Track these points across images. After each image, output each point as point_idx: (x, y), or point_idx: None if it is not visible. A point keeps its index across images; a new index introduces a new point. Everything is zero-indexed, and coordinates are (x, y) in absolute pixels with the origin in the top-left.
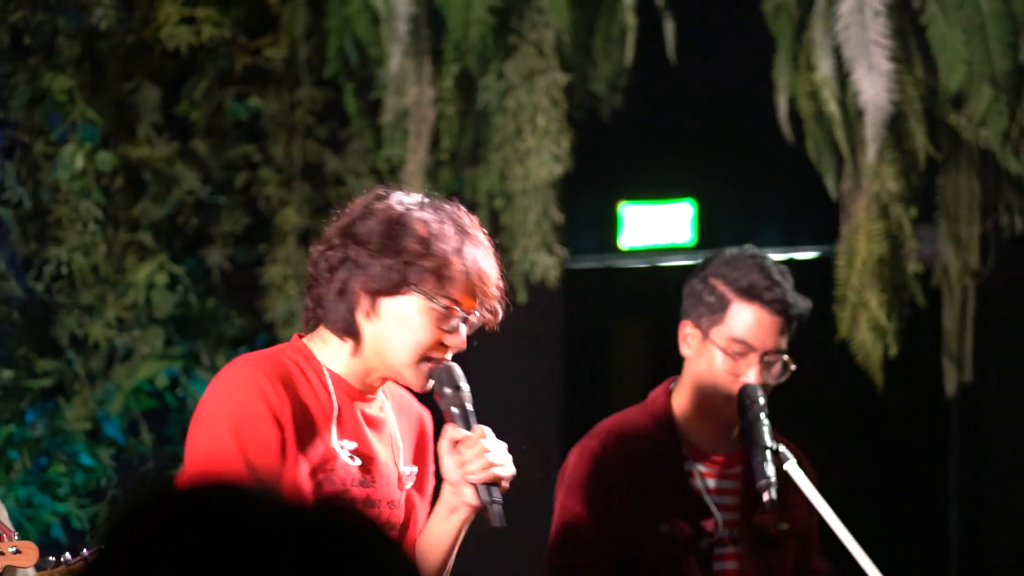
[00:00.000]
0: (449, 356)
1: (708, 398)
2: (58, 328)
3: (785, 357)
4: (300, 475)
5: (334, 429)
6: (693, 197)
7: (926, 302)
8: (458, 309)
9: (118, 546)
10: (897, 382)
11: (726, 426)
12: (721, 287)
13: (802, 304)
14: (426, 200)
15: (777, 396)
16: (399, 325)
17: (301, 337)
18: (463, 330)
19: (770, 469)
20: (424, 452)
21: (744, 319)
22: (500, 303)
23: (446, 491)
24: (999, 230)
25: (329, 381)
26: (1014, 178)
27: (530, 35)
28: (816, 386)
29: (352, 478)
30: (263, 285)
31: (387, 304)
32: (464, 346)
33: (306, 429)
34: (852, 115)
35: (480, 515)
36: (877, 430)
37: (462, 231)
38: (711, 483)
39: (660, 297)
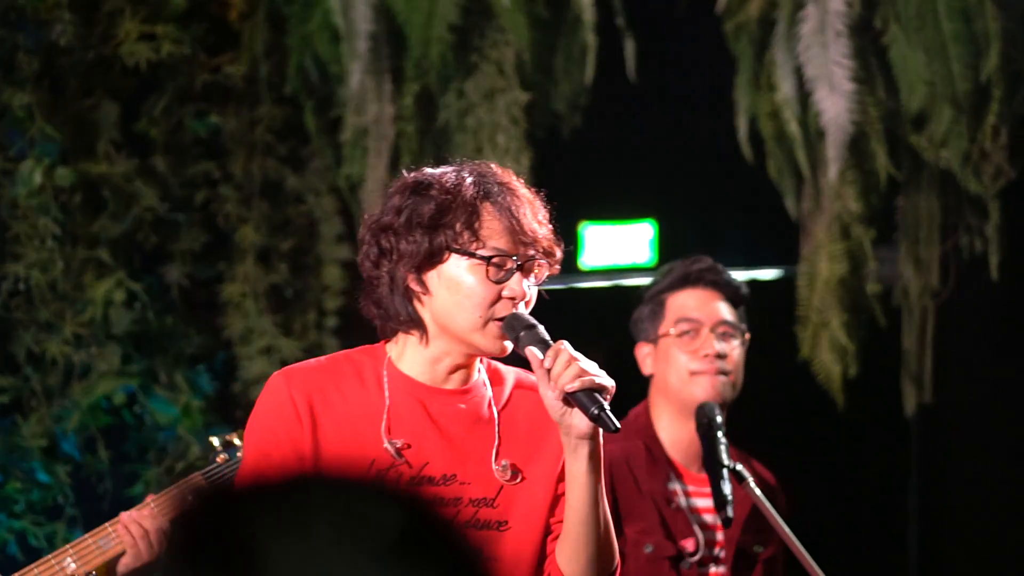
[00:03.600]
0: (519, 310)
1: (679, 398)
2: (15, 344)
3: (741, 329)
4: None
5: (381, 429)
6: (654, 218)
7: (886, 322)
8: (504, 257)
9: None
10: (857, 402)
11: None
12: (656, 295)
13: (734, 278)
14: (449, 164)
15: (738, 415)
16: (452, 292)
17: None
18: (521, 280)
19: (727, 487)
20: (551, 444)
21: (682, 301)
22: (554, 244)
23: (561, 438)
24: (959, 251)
25: (385, 379)
26: (974, 199)
27: (491, 54)
28: (777, 406)
29: (404, 476)
30: (222, 303)
31: (432, 276)
32: (526, 295)
33: (349, 433)
34: (813, 135)
35: None
36: (837, 450)
37: (486, 178)
38: (694, 502)
39: (620, 317)
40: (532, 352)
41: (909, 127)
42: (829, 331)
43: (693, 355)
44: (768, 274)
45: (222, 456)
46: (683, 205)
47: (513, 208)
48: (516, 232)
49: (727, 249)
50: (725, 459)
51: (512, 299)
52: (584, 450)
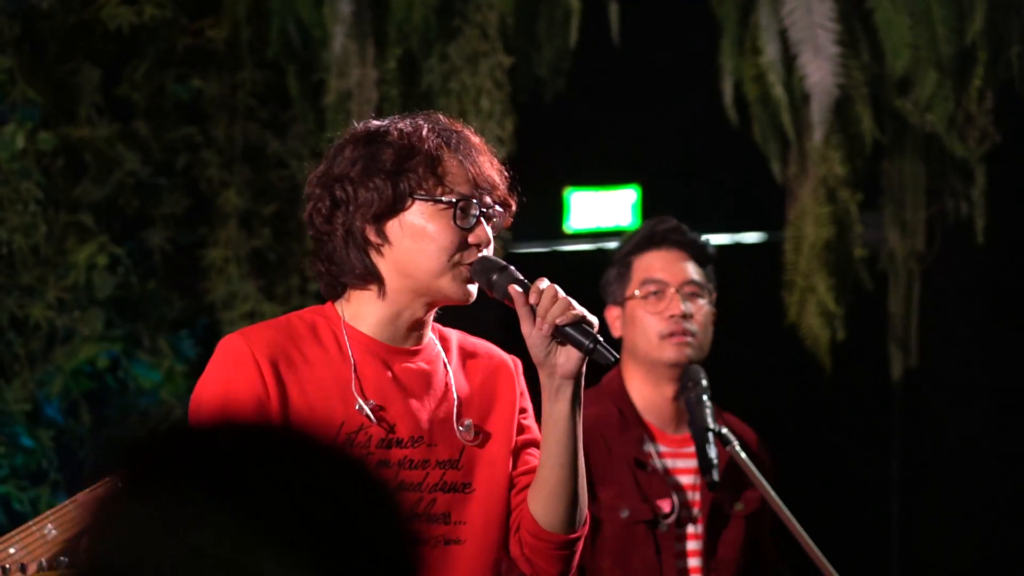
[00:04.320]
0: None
1: (648, 360)
2: None
3: (708, 288)
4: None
5: (353, 390)
6: (637, 182)
7: (873, 286)
8: (468, 202)
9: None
10: (843, 366)
11: (676, 395)
12: (623, 257)
13: (699, 237)
14: (397, 116)
15: (724, 379)
16: (416, 239)
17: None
18: (485, 226)
19: (712, 451)
20: (503, 402)
21: (647, 262)
22: (508, 195)
23: (542, 379)
24: (945, 215)
25: (347, 340)
26: (959, 163)
27: (474, 17)
28: (763, 370)
29: (375, 439)
30: (204, 267)
31: (394, 225)
32: (491, 241)
33: (315, 395)
34: (798, 99)
35: None
36: (823, 414)
37: (441, 126)
38: (670, 463)
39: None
40: (515, 290)
41: (894, 91)
42: (816, 295)
43: (659, 316)
44: (754, 238)
45: None
46: (667, 169)
47: (473, 155)
48: (477, 179)
49: (712, 214)
50: (710, 423)
51: (478, 246)
52: (568, 390)
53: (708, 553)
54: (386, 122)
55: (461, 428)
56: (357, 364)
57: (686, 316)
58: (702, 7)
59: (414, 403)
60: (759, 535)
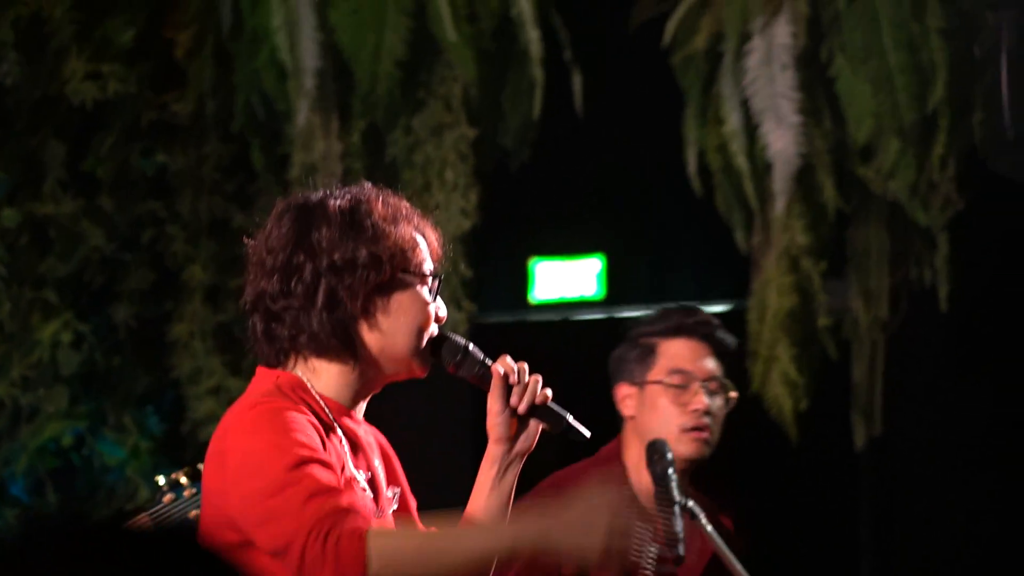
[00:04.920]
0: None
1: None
2: None
3: (728, 387)
4: None
5: (350, 462)
6: (602, 252)
7: (837, 355)
8: (435, 277)
9: None
10: (807, 435)
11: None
12: (645, 339)
13: (728, 336)
14: (336, 189)
15: None
16: (403, 315)
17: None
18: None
19: (679, 524)
20: (396, 470)
21: (676, 350)
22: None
23: (495, 452)
24: (908, 282)
25: (329, 412)
26: (923, 230)
27: (438, 89)
28: (728, 440)
29: (371, 511)
30: (169, 342)
31: (381, 299)
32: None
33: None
34: (761, 168)
35: None
36: (787, 483)
37: (395, 200)
38: (654, 551)
39: (571, 349)
40: (497, 371)
41: (856, 159)
42: (779, 364)
43: (682, 409)
44: (718, 308)
45: (169, 496)
46: (632, 239)
47: (429, 228)
48: (434, 251)
49: (676, 283)
50: (677, 495)
51: (440, 319)
52: (519, 465)
53: None
54: (339, 194)
55: (389, 495)
56: (346, 437)
57: (708, 412)
58: (666, 77)
59: (375, 472)
60: None
